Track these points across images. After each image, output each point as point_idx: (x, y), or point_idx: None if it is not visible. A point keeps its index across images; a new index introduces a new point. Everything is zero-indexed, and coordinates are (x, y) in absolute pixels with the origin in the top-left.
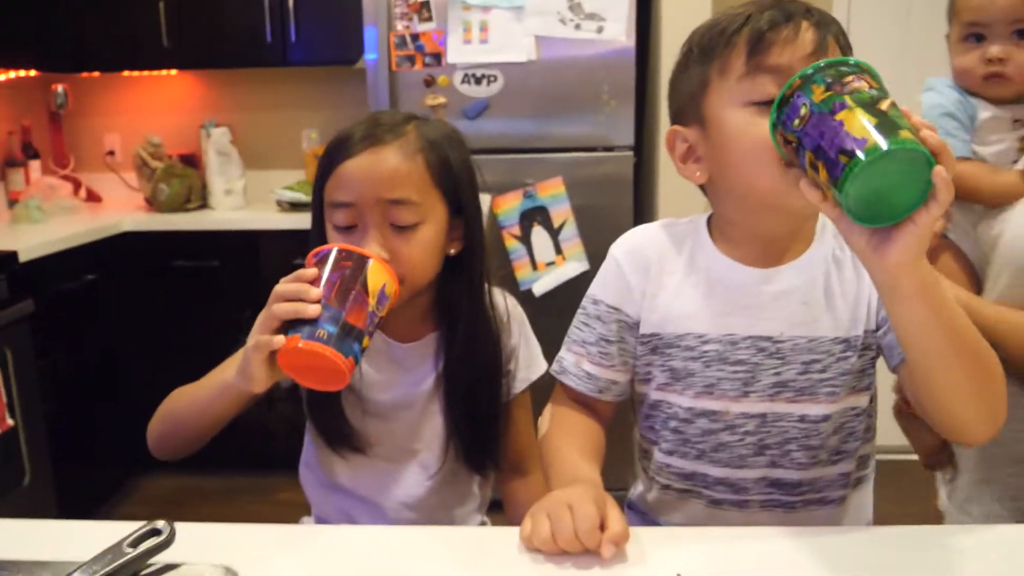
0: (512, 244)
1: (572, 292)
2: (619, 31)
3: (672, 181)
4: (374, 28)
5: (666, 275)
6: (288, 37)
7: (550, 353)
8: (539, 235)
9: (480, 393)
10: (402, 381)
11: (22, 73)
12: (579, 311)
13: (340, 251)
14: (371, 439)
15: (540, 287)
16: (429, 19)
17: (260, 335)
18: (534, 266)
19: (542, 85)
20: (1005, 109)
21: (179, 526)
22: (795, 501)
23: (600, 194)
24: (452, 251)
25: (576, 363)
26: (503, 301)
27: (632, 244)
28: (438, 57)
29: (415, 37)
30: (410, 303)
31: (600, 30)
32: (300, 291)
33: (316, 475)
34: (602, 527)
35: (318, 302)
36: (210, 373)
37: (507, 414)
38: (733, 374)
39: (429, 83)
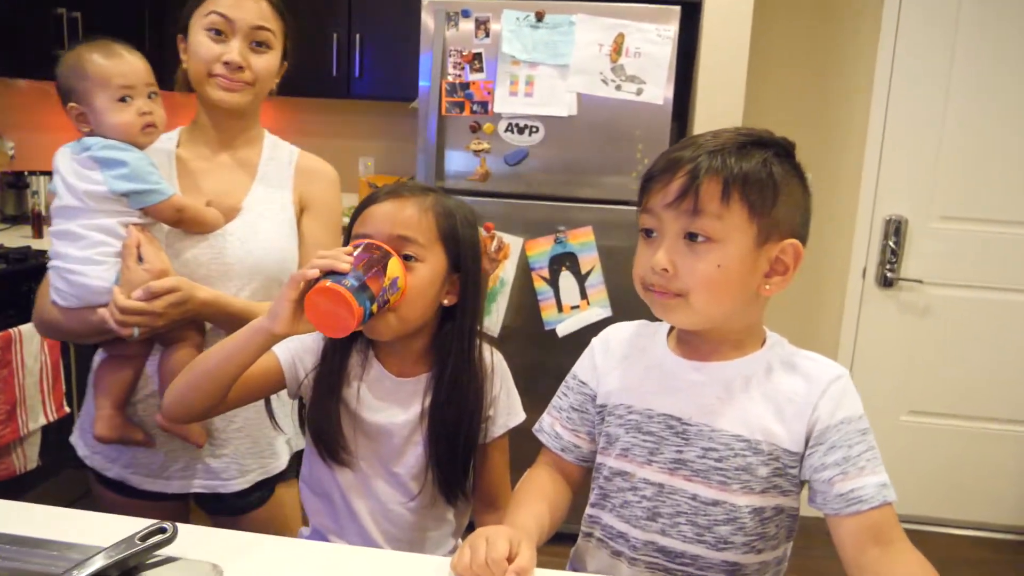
0: (540, 285)
1: (593, 336)
2: (657, 94)
3: None
4: (428, 74)
5: (621, 358)
6: (352, 72)
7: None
8: (566, 279)
9: (459, 432)
10: (392, 410)
11: None
12: (562, 384)
13: (373, 243)
14: (359, 453)
15: (563, 328)
16: (480, 70)
17: (296, 274)
18: (560, 308)
19: (580, 139)
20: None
21: (181, 527)
22: (676, 570)
23: (628, 246)
24: (446, 301)
25: (551, 424)
26: (490, 356)
27: (606, 334)
28: (485, 105)
29: (465, 85)
30: (408, 343)
31: (639, 92)
32: (336, 255)
33: (310, 486)
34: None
35: (350, 265)
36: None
37: (484, 454)
38: (643, 442)
39: (475, 129)
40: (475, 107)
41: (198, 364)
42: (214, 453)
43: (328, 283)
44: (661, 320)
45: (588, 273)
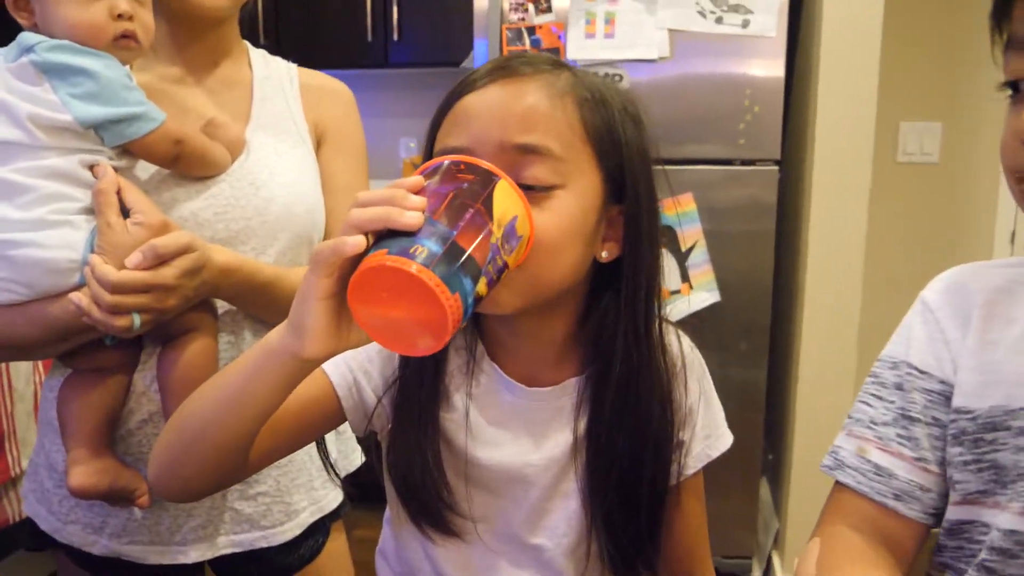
0: None
1: (699, 327)
2: (768, 25)
3: (826, 202)
4: (484, 22)
5: (1002, 325)
6: (390, 36)
7: None
8: (664, 259)
9: (640, 469)
10: (523, 441)
11: None
12: (867, 381)
13: (458, 162)
14: (474, 513)
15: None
16: (547, 10)
17: (324, 248)
18: (663, 279)
19: (674, 87)
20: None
21: None
22: None
23: (737, 215)
24: (604, 254)
25: (859, 451)
26: (677, 342)
27: (951, 283)
28: (557, 53)
29: (531, 30)
30: (542, 325)
31: (745, 24)
32: (393, 196)
33: (393, 565)
34: None
35: (420, 212)
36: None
37: (674, 502)
38: None
39: None
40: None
41: (189, 414)
42: (245, 493)
43: (387, 257)
44: None
45: (690, 250)
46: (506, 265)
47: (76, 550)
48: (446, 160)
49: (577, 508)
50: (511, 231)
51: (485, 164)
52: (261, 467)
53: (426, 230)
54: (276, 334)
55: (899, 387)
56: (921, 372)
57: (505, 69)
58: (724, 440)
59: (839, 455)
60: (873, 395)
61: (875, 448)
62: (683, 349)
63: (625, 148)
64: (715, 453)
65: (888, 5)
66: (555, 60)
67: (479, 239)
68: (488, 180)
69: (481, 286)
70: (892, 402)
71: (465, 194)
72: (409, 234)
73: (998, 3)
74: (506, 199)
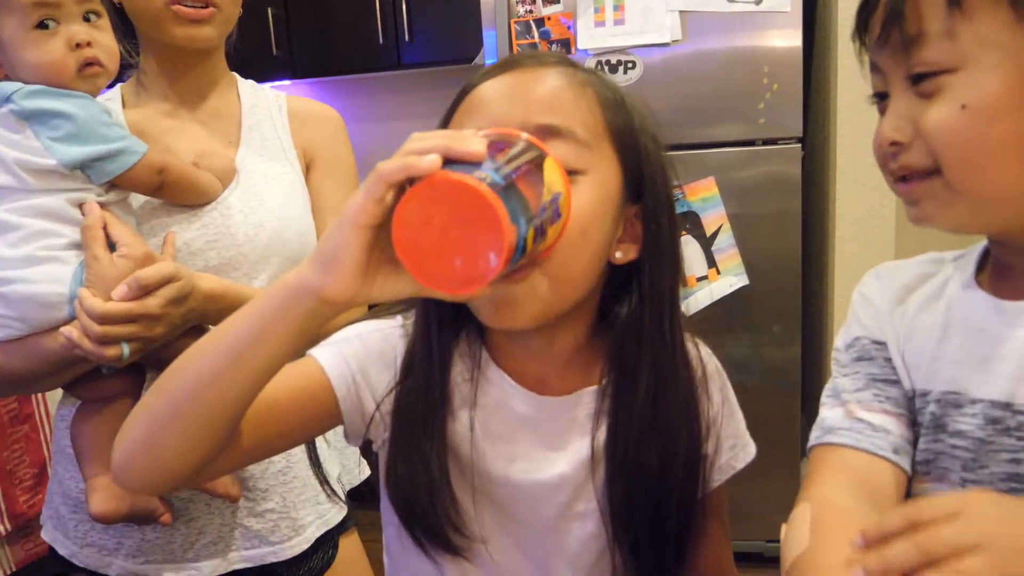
0: None
1: (728, 312)
2: (782, 0)
3: (851, 179)
4: (492, 16)
5: (910, 310)
6: (401, 37)
7: None
8: (689, 245)
9: (669, 486)
10: (536, 456)
11: None
12: (833, 367)
13: (508, 133)
14: (484, 533)
15: (691, 305)
16: (555, 1)
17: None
18: (684, 281)
19: (689, 70)
20: None
21: None
22: None
23: (761, 196)
24: (619, 254)
25: (846, 414)
26: (695, 350)
27: (880, 271)
28: (567, 44)
29: (540, 22)
30: (551, 338)
31: (759, 0)
32: (452, 134)
33: None
34: None
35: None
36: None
37: (700, 517)
38: (952, 449)
39: None
40: (554, 47)
41: (181, 369)
42: (254, 511)
43: (453, 173)
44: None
45: (715, 235)
46: (544, 233)
47: (93, 572)
48: (501, 131)
49: (594, 527)
50: (555, 201)
51: (537, 141)
52: (247, 462)
53: (487, 165)
54: (294, 273)
55: (860, 359)
56: (878, 343)
57: (517, 62)
58: (748, 450)
59: (826, 423)
60: (840, 374)
61: (859, 408)
62: (702, 357)
63: (644, 151)
64: (740, 464)
65: None
66: (565, 57)
67: (533, 190)
68: (539, 153)
69: (530, 235)
70: (860, 372)
71: (520, 151)
72: (471, 164)
73: (857, 17)
74: (553, 173)
